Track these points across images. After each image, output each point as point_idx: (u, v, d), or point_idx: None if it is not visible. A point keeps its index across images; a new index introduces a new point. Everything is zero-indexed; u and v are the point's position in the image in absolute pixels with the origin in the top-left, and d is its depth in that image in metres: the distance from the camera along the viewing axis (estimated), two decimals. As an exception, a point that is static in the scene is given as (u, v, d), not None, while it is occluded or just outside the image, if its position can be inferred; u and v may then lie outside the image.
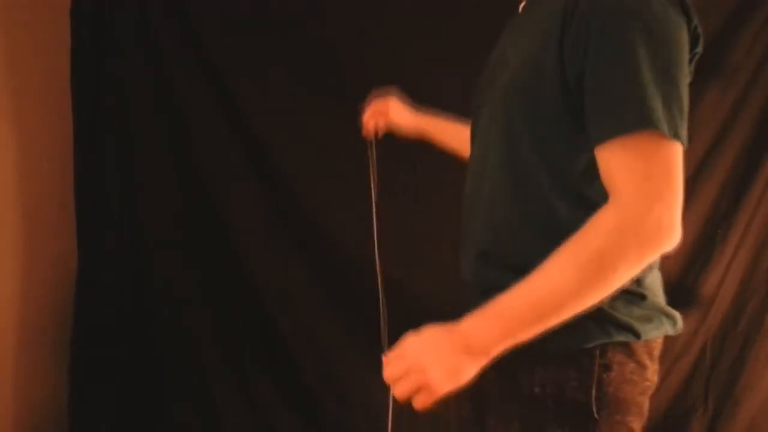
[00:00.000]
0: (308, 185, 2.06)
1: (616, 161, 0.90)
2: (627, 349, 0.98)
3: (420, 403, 0.91)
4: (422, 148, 1.80)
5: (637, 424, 1.01)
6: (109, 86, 2.03)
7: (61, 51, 1.99)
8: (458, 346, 0.90)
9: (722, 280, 2.05)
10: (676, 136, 0.88)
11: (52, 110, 2.01)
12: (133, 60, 2.03)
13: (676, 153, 0.89)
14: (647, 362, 1.01)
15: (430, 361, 0.89)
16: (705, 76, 1.99)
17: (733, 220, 2.02)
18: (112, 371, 2.04)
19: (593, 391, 0.96)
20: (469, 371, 0.90)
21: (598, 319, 0.96)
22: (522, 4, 1.13)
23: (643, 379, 1.01)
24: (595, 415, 0.96)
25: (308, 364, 2.09)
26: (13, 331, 1.88)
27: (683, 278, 2.06)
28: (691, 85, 2.12)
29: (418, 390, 0.90)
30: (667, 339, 2.06)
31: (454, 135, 1.40)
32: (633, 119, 0.87)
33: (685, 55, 0.93)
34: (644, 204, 0.87)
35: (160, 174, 2.07)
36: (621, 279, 0.90)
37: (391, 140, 2.08)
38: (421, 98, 1.99)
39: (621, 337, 0.97)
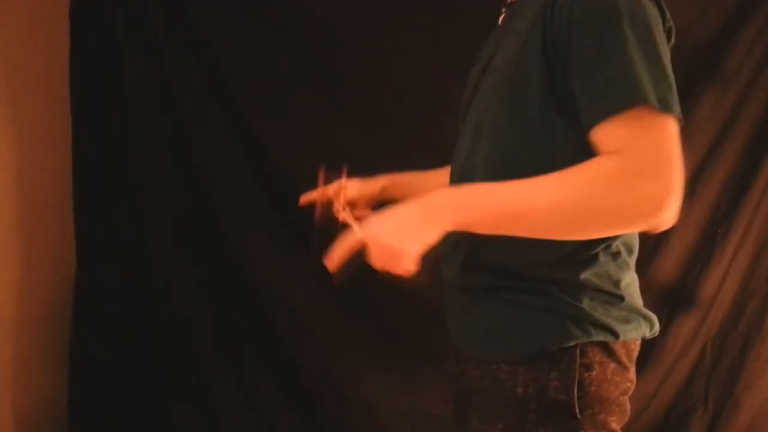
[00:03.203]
0: (308, 185, 2.05)
1: (613, 137, 0.89)
2: (607, 350, 1.00)
3: (395, 268, 0.95)
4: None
5: (618, 424, 1.03)
6: (108, 86, 2.03)
7: (61, 51, 1.99)
8: (416, 211, 0.94)
9: (722, 280, 2.05)
10: (668, 110, 0.88)
11: (52, 110, 2.01)
12: (133, 60, 2.02)
13: (672, 127, 0.89)
14: (627, 363, 1.03)
15: (387, 237, 0.93)
16: (705, 77, 1.99)
17: (733, 220, 2.02)
18: (112, 371, 2.04)
19: (575, 391, 0.97)
20: (430, 232, 0.93)
21: (577, 318, 0.98)
22: (501, 17, 1.15)
23: (625, 379, 1.03)
24: (578, 415, 0.98)
25: (308, 364, 2.09)
26: (12, 331, 1.88)
27: (683, 278, 2.05)
28: (691, 85, 2.13)
29: (386, 260, 0.95)
30: (667, 339, 2.08)
31: (421, 186, 1.38)
32: (624, 97, 0.88)
33: (665, 41, 0.94)
34: (646, 170, 0.86)
35: (160, 174, 2.07)
36: (595, 225, 0.89)
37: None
38: (420, 97, 2.00)
39: (600, 337, 0.99)
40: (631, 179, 0.86)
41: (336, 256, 0.99)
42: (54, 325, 2.03)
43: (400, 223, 0.94)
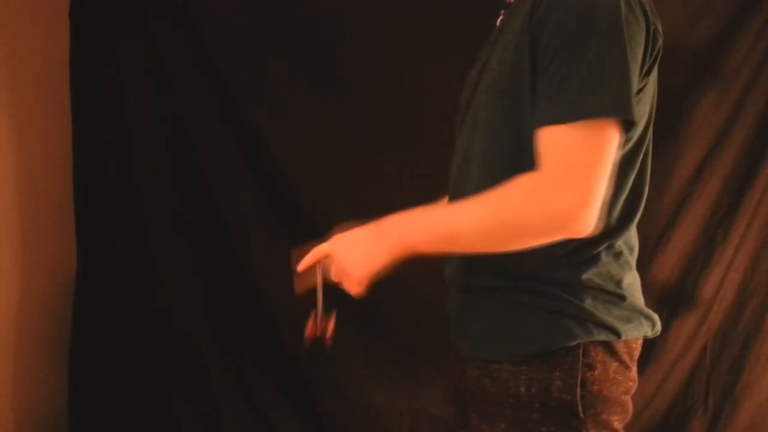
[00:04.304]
0: (310, 185, 2.06)
1: (548, 142, 0.92)
2: (609, 349, 1.00)
3: (349, 287, 1.06)
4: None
5: (620, 423, 1.03)
6: (108, 87, 2.03)
7: (61, 51, 1.99)
8: (369, 232, 1.04)
9: (722, 280, 2.05)
10: (622, 113, 0.91)
11: (52, 111, 2.01)
12: (133, 60, 2.03)
13: (608, 136, 0.91)
14: (629, 362, 1.03)
15: (343, 253, 1.06)
16: (705, 77, 1.99)
17: (733, 220, 2.02)
18: (112, 371, 2.04)
19: (578, 390, 0.98)
20: (379, 254, 1.02)
21: (578, 318, 0.98)
22: (499, 18, 1.16)
23: (627, 378, 1.03)
24: (581, 415, 0.98)
25: (308, 364, 2.09)
26: (12, 332, 1.88)
27: (683, 278, 2.06)
28: (691, 85, 2.13)
29: (341, 276, 1.07)
30: (667, 339, 2.08)
31: None
32: (571, 108, 0.90)
33: (638, 50, 0.95)
34: (561, 184, 0.91)
35: (160, 173, 2.07)
36: (517, 241, 0.95)
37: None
38: (419, 97, 2.00)
39: (602, 336, 0.99)
40: (542, 195, 0.91)
41: (301, 264, 1.13)
42: (54, 324, 2.03)
43: (355, 244, 1.05)
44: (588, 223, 0.92)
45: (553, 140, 0.92)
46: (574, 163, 0.90)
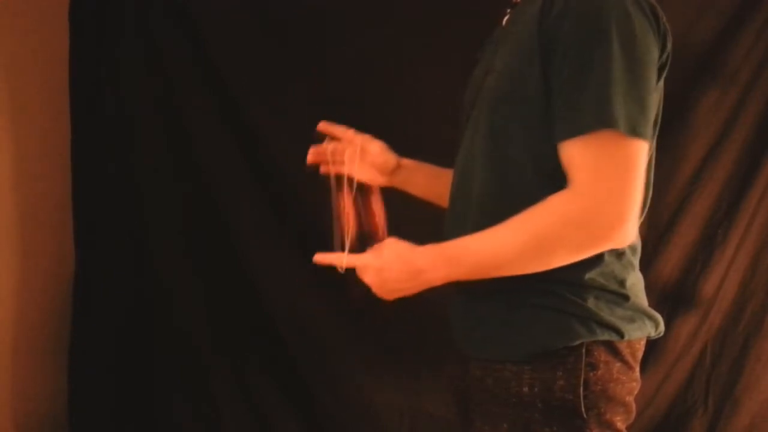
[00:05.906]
0: (310, 186, 2.05)
1: (576, 158, 0.94)
2: (612, 349, 1.00)
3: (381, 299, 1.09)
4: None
5: (623, 424, 1.03)
6: (108, 86, 2.03)
7: (61, 51, 1.99)
8: (410, 273, 1.03)
9: (722, 281, 2.05)
10: (634, 133, 0.92)
11: (52, 110, 2.01)
12: (133, 60, 2.02)
13: (636, 151, 0.93)
14: (632, 363, 1.03)
15: (379, 284, 1.06)
16: (705, 77, 1.99)
17: (733, 220, 2.02)
18: (111, 371, 2.04)
19: (581, 390, 0.97)
20: (413, 291, 1.06)
21: (582, 317, 0.98)
22: (506, 18, 1.15)
23: (630, 379, 1.03)
24: (584, 415, 0.98)
25: (308, 365, 2.09)
26: (12, 332, 1.88)
27: (683, 278, 2.05)
28: (692, 85, 2.13)
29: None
30: (668, 339, 2.08)
31: (435, 187, 1.35)
32: (593, 118, 0.91)
33: (651, 56, 0.95)
34: (597, 204, 0.92)
35: (160, 173, 2.07)
36: (559, 261, 0.97)
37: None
38: (420, 96, 2.00)
39: (605, 336, 0.99)
40: (581, 215, 0.93)
41: (326, 261, 1.12)
42: (54, 325, 2.03)
43: (394, 279, 1.05)
44: (627, 235, 0.95)
45: (579, 155, 0.93)
46: (607, 179, 0.92)
